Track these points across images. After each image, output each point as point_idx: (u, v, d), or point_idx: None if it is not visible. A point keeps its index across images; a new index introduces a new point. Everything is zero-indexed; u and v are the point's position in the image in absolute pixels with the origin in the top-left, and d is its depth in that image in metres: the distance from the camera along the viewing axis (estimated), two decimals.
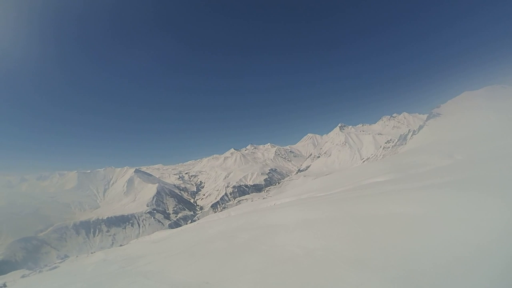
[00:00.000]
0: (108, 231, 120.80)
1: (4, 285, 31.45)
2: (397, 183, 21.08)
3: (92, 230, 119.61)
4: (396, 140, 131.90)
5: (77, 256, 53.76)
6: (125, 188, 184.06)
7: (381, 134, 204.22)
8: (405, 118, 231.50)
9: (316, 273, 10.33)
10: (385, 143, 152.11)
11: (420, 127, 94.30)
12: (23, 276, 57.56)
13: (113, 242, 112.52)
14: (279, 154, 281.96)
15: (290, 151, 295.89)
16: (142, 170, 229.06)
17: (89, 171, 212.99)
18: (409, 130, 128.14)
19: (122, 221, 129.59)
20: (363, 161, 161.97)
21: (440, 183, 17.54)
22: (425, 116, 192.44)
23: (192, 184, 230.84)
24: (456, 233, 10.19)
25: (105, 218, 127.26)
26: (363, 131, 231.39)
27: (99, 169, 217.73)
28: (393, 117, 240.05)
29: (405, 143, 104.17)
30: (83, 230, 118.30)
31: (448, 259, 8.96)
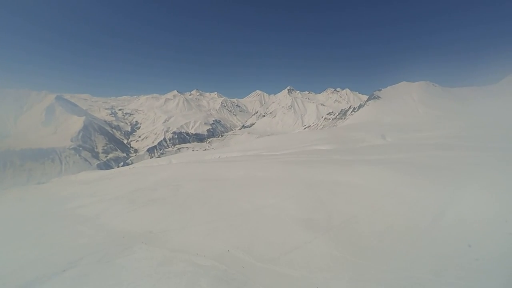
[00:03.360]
0: (22, 165, 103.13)
1: None
2: (339, 154, 22.78)
3: (2, 162, 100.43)
4: (337, 113, 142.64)
5: None
6: (44, 117, 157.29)
7: (323, 105, 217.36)
8: (347, 94, 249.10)
9: (265, 229, 10.66)
10: (327, 114, 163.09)
11: (361, 106, 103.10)
12: None
13: (29, 179, 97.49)
14: (225, 106, 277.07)
15: (237, 105, 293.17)
16: (65, 98, 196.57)
17: None
18: (350, 106, 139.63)
19: (40, 155, 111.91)
20: (304, 128, 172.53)
21: (376, 159, 19.45)
22: (364, 96, 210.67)
23: (127, 123, 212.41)
24: (389, 204, 11.64)
25: (18, 149, 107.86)
26: (308, 98, 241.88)
27: (9, 89, 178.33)
28: (337, 91, 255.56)
29: (344, 118, 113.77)
30: None
31: (381, 225, 10.28)
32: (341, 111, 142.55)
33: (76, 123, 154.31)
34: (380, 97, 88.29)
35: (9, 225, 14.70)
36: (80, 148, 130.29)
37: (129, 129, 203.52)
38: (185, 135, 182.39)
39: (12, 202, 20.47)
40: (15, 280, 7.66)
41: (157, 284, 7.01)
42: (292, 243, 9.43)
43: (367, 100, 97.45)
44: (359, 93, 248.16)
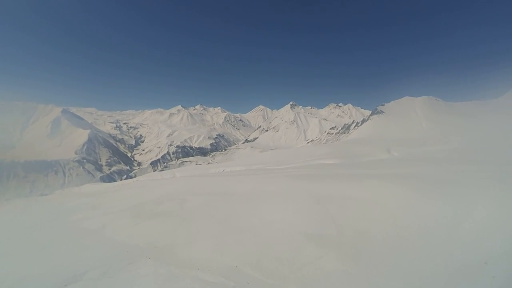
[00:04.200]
0: (26, 177, 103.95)
1: None
2: (346, 168, 22.51)
3: (6, 173, 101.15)
4: (340, 128, 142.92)
5: None
6: (49, 129, 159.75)
7: (326, 120, 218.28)
8: (349, 109, 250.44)
9: (274, 244, 10.34)
10: (330, 129, 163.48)
11: (364, 120, 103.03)
12: None
13: (32, 190, 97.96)
14: (228, 121, 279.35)
15: (240, 120, 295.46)
16: (70, 111, 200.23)
17: (3, 102, 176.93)
18: (353, 121, 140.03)
19: (44, 167, 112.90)
20: (308, 142, 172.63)
21: (384, 174, 19.18)
22: (366, 111, 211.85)
23: (131, 137, 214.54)
24: (401, 220, 11.31)
25: (23, 161, 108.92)
26: (311, 113, 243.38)
27: (17, 102, 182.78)
28: (339, 106, 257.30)
29: (348, 133, 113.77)
30: None
31: (394, 240, 9.94)
32: (344, 125, 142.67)
33: (81, 136, 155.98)
34: (383, 112, 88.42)
35: (11, 237, 14.49)
36: (84, 161, 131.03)
37: (133, 142, 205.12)
38: (189, 148, 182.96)
39: (15, 213, 20.32)
40: None
41: None
42: (302, 259, 9.12)
43: (370, 115, 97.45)
44: (361, 108, 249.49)
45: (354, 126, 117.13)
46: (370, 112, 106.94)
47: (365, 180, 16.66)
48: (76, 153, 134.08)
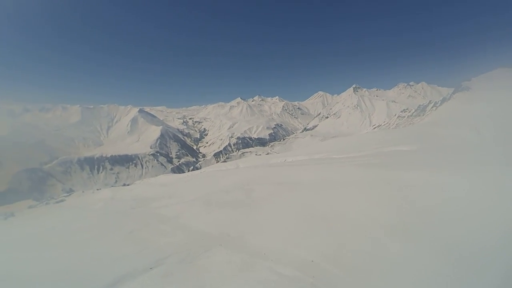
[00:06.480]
0: (112, 169, 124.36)
1: (12, 214, 31.11)
2: (426, 154, 19.76)
3: (96, 166, 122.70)
4: (414, 110, 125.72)
5: (83, 191, 54.93)
6: (129, 127, 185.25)
7: (395, 101, 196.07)
8: (423, 88, 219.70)
9: (352, 237, 9.53)
10: (401, 111, 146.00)
11: (444, 99, 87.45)
12: (30, 207, 59.85)
13: (116, 180, 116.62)
14: (286, 110, 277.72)
15: (298, 108, 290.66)
16: (145, 110, 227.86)
17: (92, 106, 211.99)
18: (429, 101, 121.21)
19: (125, 160, 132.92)
20: (374, 128, 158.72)
21: (475, 161, 16.19)
22: (444, 89, 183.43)
23: (196, 131, 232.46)
24: (495, 214, 9.22)
25: (109, 156, 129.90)
26: (376, 96, 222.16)
27: (103, 105, 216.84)
28: (410, 85, 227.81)
29: (423, 115, 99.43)
30: (87, 166, 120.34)
31: (494, 242, 8.11)
32: (418, 107, 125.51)
33: (155, 131, 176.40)
34: (469, 88, 74.13)
35: (104, 221, 16.94)
36: (158, 154, 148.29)
37: (198, 136, 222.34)
38: (248, 139, 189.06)
39: (106, 201, 24.02)
40: (109, 274, 8.27)
41: None
42: (385, 254, 8.17)
43: (453, 93, 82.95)
44: (438, 86, 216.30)
45: (432, 107, 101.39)
46: (451, 90, 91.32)
47: (452, 168, 14.21)
48: (151, 148, 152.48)
